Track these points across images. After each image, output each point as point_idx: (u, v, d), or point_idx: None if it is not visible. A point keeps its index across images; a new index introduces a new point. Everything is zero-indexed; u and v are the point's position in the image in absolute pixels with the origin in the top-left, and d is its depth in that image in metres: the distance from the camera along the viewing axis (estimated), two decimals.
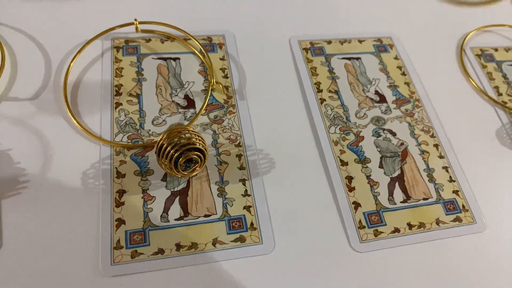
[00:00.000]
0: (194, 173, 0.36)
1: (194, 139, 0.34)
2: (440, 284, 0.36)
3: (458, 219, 0.39)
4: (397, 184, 0.40)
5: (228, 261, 0.34)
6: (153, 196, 0.36)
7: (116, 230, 0.34)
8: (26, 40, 0.43)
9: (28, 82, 0.40)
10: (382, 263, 0.36)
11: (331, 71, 0.46)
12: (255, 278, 0.34)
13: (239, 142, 0.40)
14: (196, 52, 0.45)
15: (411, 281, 0.36)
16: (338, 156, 0.40)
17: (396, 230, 0.38)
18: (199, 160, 0.35)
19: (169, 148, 0.33)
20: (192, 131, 0.35)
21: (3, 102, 0.39)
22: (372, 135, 0.42)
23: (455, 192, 0.41)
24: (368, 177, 0.40)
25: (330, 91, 0.45)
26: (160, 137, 0.34)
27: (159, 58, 0.44)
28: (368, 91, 0.46)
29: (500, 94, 0.49)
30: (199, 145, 0.34)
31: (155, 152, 0.35)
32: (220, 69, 0.45)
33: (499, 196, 0.41)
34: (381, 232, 0.37)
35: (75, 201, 0.35)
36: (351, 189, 0.39)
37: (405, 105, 0.45)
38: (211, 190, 0.37)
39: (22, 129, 0.37)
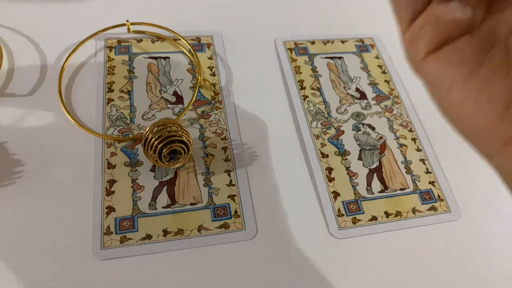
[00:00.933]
0: (178, 164, 0.38)
1: (179, 132, 0.36)
2: (416, 269, 0.38)
3: (433, 208, 0.41)
4: (375, 175, 0.42)
5: (212, 246, 0.36)
6: (142, 186, 0.38)
7: (106, 217, 0.36)
8: (23, 40, 0.45)
9: (24, 79, 0.42)
10: (359, 249, 0.38)
11: (314, 69, 0.49)
12: (238, 262, 0.36)
13: (225, 136, 0.42)
14: (185, 51, 0.47)
15: (388, 266, 0.37)
16: (319, 149, 0.43)
17: (374, 218, 0.39)
18: (183, 151, 0.37)
19: (153, 140, 0.36)
20: (177, 125, 0.37)
21: (0, 98, 0.41)
22: (352, 130, 0.45)
23: (431, 183, 0.43)
24: (347, 168, 0.42)
25: (312, 88, 0.47)
26: (147, 130, 0.36)
27: (149, 57, 0.46)
28: (349, 88, 0.48)
29: None
30: (184, 138, 0.36)
31: (142, 144, 0.37)
32: (208, 67, 0.47)
33: (474, 186, 0.43)
34: (359, 220, 0.39)
35: (68, 190, 0.37)
36: (331, 179, 0.41)
37: (384, 101, 0.48)
38: (197, 180, 0.39)
39: (18, 123, 0.40)
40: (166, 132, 0.36)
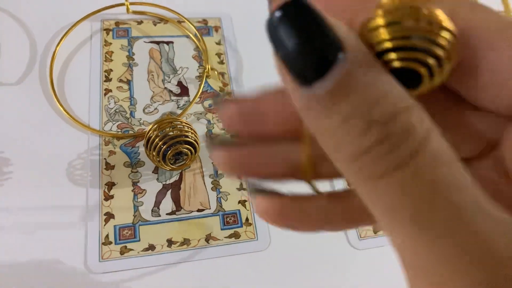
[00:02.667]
0: (183, 167, 0.35)
1: (185, 131, 0.33)
2: None
3: None
4: None
5: (221, 258, 0.33)
6: (144, 189, 0.34)
7: (104, 225, 0.32)
8: (9, 21, 0.40)
9: (11, 66, 0.38)
10: (381, 260, 0.35)
11: None
12: (250, 275, 0.33)
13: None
14: (191, 35, 0.42)
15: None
16: None
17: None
18: (189, 153, 0.33)
19: (157, 140, 0.32)
20: (184, 122, 0.33)
21: None
22: None
23: None
24: None
25: None
26: (149, 127, 0.33)
27: (151, 42, 0.42)
28: None
29: None
30: (190, 138, 0.32)
31: (144, 144, 0.33)
32: (216, 54, 0.42)
33: None
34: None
35: (61, 193, 0.33)
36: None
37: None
38: (204, 183, 0.35)
39: (4, 116, 0.35)
40: (171, 131, 0.32)
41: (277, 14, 0.10)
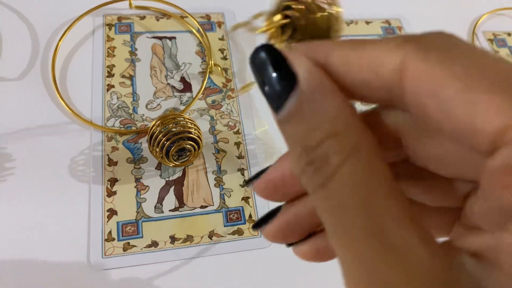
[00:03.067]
0: (186, 163, 0.35)
1: (188, 127, 0.32)
2: None
3: None
4: None
5: (224, 255, 0.33)
6: (147, 186, 0.34)
7: (107, 221, 0.32)
8: (12, 16, 0.40)
9: (13, 61, 0.38)
10: None
11: None
12: (253, 272, 0.32)
13: (238, 129, 0.38)
14: (194, 31, 0.42)
15: None
16: None
17: None
18: (193, 149, 0.33)
19: (160, 136, 0.31)
20: (187, 118, 0.33)
21: None
22: None
23: None
24: None
25: None
26: (153, 123, 0.32)
27: (154, 37, 0.41)
28: None
29: None
30: (193, 134, 0.32)
31: (147, 140, 0.33)
32: (219, 50, 0.42)
33: None
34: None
35: (64, 189, 0.33)
36: None
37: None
38: (208, 180, 0.35)
39: (7, 112, 0.35)
40: (174, 127, 0.32)
41: (252, 58, 0.13)
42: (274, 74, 0.12)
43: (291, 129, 0.12)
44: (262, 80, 0.12)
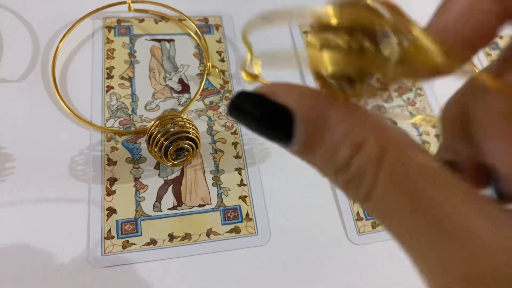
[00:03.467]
0: (185, 163, 0.35)
1: (186, 127, 0.33)
2: None
3: None
4: None
5: (222, 253, 0.33)
6: (146, 185, 0.35)
7: (107, 220, 0.33)
8: (12, 18, 0.40)
9: (14, 63, 0.38)
10: (380, 255, 0.35)
11: None
12: (250, 270, 0.33)
13: (235, 130, 0.39)
14: (192, 33, 0.43)
15: (410, 273, 0.35)
16: None
17: None
18: (191, 149, 0.34)
19: (159, 136, 0.32)
20: (185, 119, 0.34)
21: None
22: None
23: None
24: None
25: None
26: (151, 124, 0.33)
27: (152, 40, 0.42)
28: None
29: None
30: (191, 134, 0.33)
31: (146, 140, 0.33)
32: (217, 52, 0.43)
33: None
34: (379, 224, 0.36)
35: (64, 189, 0.33)
36: None
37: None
38: (205, 179, 0.36)
39: (7, 113, 0.36)
40: (173, 127, 0.33)
41: (234, 104, 0.12)
42: (265, 117, 0.12)
43: (313, 157, 0.12)
44: (256, 126, 0.12)
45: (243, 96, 0.12)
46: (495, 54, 0.50)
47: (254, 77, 0.14)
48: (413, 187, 0.11)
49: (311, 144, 0.11)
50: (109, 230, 0.32)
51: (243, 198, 0.35)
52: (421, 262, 0.11)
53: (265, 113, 0.12)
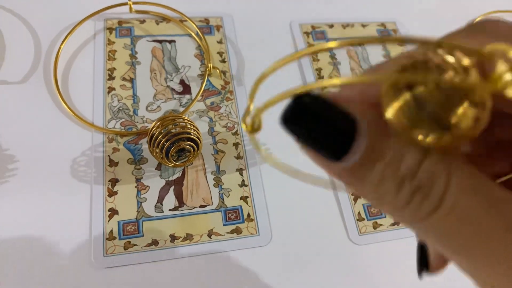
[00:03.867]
0: (186, 164, 0.35)
1: (187, 128, 0.33)
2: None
3: None
4: None
5: (223, 253, 0.33)
6: (147, 186, 0.35)
7: (108, 221, 0.33)
8: (14, 20, 0.40)
9: (16, 64, 0.38)
10: (380, 255, 0.35)
11: (333, 56, 0.45)
12: (251, 270, 0.33)
13: (237, 130, 0.39)
14: (193, 34, 0.43)
15: (412, 274, 0.35)
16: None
17: (396, 222, 0.37)
18: (192, 150, 0.34)
19: (160, 137, 0.32)
20: (187, 120, 0.34)
21: None
22: None
23: None
24: None
25: (331, 77, 0.43)
26: (153, 125, 0.33)
27: (153, 41, 0.42)
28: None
29: None
30: (193, 135, 0.33)
31: (147, 141, 0.33)
32: (218, 53, 0.43)
33: None
34: (381, 225, 0.36)
35: (66, 190, 0.34)
36: None
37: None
38: (207, 180, 0.36)
39: (10, 114, 0.36)
40: (174, 128, 0.33)
41: (294, 106, 0.11)
42: (329, 123, 0.11)
43: (373, 170, 0.11)
44: (309, 133, 0.11)
45: (313, 98, 0.11)
46: None
47: (256, 130, 0.13)
48: (486, 187, 0.10)
49: (371, 157, 0.11)
50: (111, 231, 0.33)
51: (244, 198, 0.36)
52: (497, 272, 0.10)
53: (329, 119, 0.11)
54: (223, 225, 0.34)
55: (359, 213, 0.36)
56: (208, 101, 0.40)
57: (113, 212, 0.33)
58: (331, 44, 0.11)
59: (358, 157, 0.11)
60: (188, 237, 0.33)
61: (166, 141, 0.32)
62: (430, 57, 0.10)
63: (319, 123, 0.11)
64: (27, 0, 0.42)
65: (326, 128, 0.11)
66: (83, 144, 0.36)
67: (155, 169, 0.36)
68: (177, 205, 0.34)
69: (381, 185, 0.11)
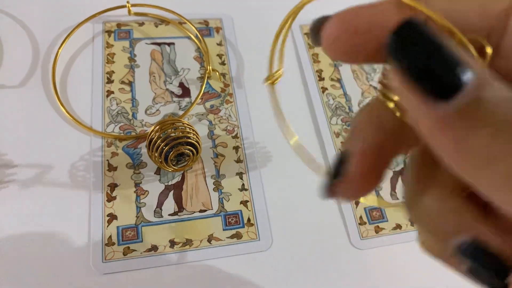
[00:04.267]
0: (185, 168, 0.35)
1: (186, 132, 0.33)
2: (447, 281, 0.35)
3: None
4: (400, 178, 0.38)
5: (223, 259, 0.33)
6: (146, 190, 0.34)
7: (107, 226, 0.33)
8: (12, 23, 0.40)
9: (14, 68, 0.38)
10: (382, 260, 0.35)
11: None
12: (252, 276, 0.33)
13: (236, 134, 0.38)
14: (192, 36, 0.43)
15: (413, 277, 0.35)
16: (340, 149, 0.39)
17: (398, 226, 0.36)
18: (191, 154, 0.33)
19: (159, 142, 0.32)
20: (186, 124, 0.34)
21: None
22: None
23: None
24: None
25: (332, 79, 0.43)
26: (151, 129, 0.33)
27: (152, 43, 0.42)
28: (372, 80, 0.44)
29: None
30: (192, 139, 0.33)
31: (146, 145, 0.33)
32: (217, 55, 0.42)
33: None
34: (383, 229, 0.36)
35: (64, 195, 0.33)
36: None
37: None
38: (206, 184, 0.35)
39: (8, 119, 0.36)
40: (173, 132, 0.32)
41: (403, 31, 0.10)
42: (443, 55, 0.09)
43: (487, 120, 0.09)
44: (421, 62, 0.10)
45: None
46: None
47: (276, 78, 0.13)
48: None
49: (483, 102, 0.09)
50: (110, 237, 0.32)
51: (244, 203, 0.35)
52: None
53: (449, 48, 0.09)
54: (223, 230, 0.34)
55: (360, 217, 0.36)
56: (208, 104, 0.39)
57: (112, 217, 0.33)
58: None
59: (468, 100, 0.09)
60: (188, 242, 0.33)
61: (165, 145, 0.32)
62: None
63: (440, 49, 0.09)
64: (24, 3, 0.41)
65: (446, 56, 0.09)
66: (82, 148, 0.35)
67: (154, 173, 0.35)
68: (177, 210, 0.34)
69: (498, 139, 0.09)
